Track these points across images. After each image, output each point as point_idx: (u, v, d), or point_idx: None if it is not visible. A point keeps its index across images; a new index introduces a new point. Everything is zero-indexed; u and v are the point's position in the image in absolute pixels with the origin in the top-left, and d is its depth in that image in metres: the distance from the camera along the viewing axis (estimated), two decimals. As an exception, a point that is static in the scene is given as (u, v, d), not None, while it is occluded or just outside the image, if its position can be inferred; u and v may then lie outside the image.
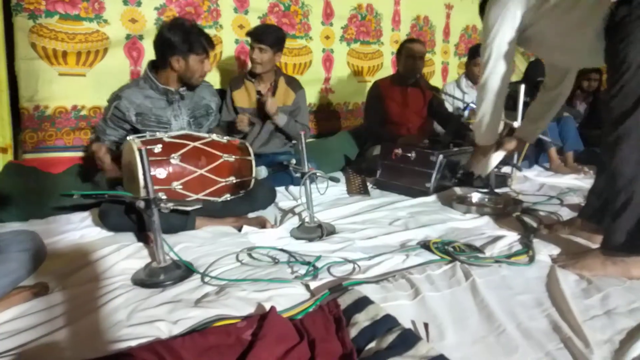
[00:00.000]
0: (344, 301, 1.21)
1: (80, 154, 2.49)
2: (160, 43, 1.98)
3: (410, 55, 3.00)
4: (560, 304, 1.25)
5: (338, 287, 1.31)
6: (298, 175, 1.93)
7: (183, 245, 1.69)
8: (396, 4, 3.92)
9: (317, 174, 1.92)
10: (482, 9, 1.84)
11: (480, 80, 1.87)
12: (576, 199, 2.39)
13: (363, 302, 1.19)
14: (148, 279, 1.41)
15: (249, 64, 2.68)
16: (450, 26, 4.40)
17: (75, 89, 2.45)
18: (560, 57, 1.83)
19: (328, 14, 3.49)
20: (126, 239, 1.75)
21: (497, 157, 2.09)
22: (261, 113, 2.60)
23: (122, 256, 1.59)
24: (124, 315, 1.20)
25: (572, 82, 1.98)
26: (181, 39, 1.94)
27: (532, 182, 2.88)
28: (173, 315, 1.19)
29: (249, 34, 2.55)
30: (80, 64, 2.45)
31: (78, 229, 1.89)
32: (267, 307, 1.17)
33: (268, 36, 2.50)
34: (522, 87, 2.50)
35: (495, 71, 1.80)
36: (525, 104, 2.83)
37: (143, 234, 1.76)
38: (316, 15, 3.43)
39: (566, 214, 2.13)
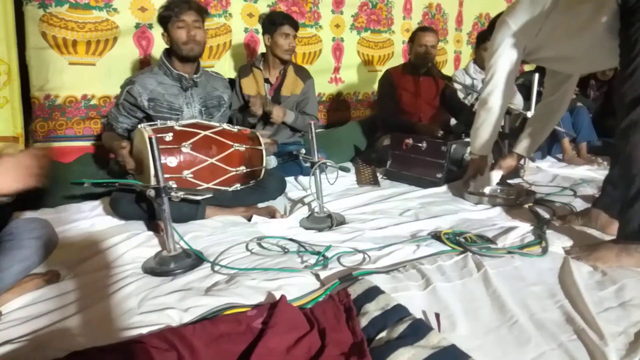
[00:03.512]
0: (354, 291, 1.20)
1: (90, 143, 2.50)
2: (159, 22, 2.02)
3: (422, 44, 2.96)
4: (574, 295, 1.23)
5: (348, 277, 1.30)
6: (308, 165, 1.92)
7: (193, 234, 1.69)
8: (407, -8, 3.87)
9: (327, 164, 1.91)
10: (491, 29, 1.96)
11: (482, 95, 1.99)
12: (590, 190, 2.35)
13: (373, 292, 1.18)
14: (158, 267, 1.42)
15: (258, 52, 2.66)
16: (463, 14, 4.32)
17: (85, 78, 2.45)
18: (570, 61, 1.83)
19: (338, 2, 3.45)
20: (137, 228, 1.76)
21: (496, 175, 2.17)
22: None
23: (133, 244, 1.60)
24: (134, 303, 1.21)
25: (573, 90, 2.04)
26: (164, 9, 1.97)
27: (545, 173, 2.84)
28: (183, 303, 1.20)
29: (278, 23, 2.50)
30: (90, 53, 2.44)
31: (89, 218, 1.90)
32: (277, 296, 1.17)
33: (297, 24, 2.57)
34: (536, 77, 2.46)
35: (496, 90, 1.94)
36: (539, 94, 2.79)
37: (153, 223, 1.77)
38: (326, 4, 3.39)
39: (580, 205, 2.10)
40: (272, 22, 2.52)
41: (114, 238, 1.64)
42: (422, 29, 3.06)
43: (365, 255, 1.51)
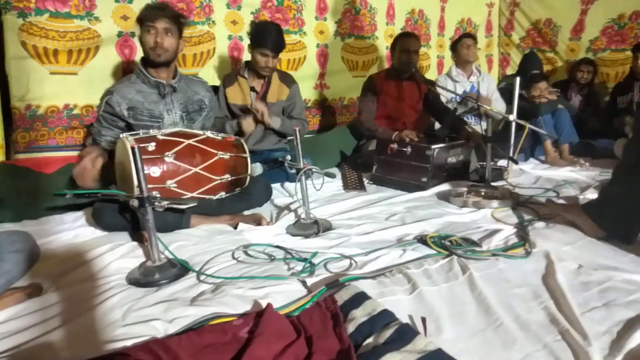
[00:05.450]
0: (341, 297, 1.20)
1: (73, 153, 2.46)
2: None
3: (405, 49, 2.98)
4: (558, 296, 1.25)
5: (335, 283, 1.30)
6: (293, 171, 1.92)
7: (178, 244, 1.68)
8: (390, -2, 3.90)
9: (313, 170, 1.91)
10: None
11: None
12: (572, 191, 2.39)
13: (360, 298, 1.18)
14: (143, 278, 1.40)
15: (242, 60, 2.66)
16: (445, 20, 4.38)
17: (66, 88, 2.43)
18: None
19: (322, 9, 3.47)
20: (120, 238, 1.74)
21: None
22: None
23: (117, 255, 1.57)
24: (119, 315, 1.19)
25: None
26: (140, 13, 1.98)
27: (528, 174, 2.88)
28: (169, 314, 1.18)
29: (258, 43, 2.50)
30: (71, 63, 2.42)
31: (72, 229, 1.88)
32: (264, 304, 1.16)
33: (282, 45, 2.56)
34: (518, 80, 2.50)
35: None
36: (521, 97, 2.84)
37: (137, 233, 1.75)
38: (310, 10, 3.40)
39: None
40: (254, 38, 2.52)
41: (98, 249, 1.62)
42: (404, 35, 3.09)
43: (352, 261, 1.51)
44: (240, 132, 2.50)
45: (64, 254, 1.64)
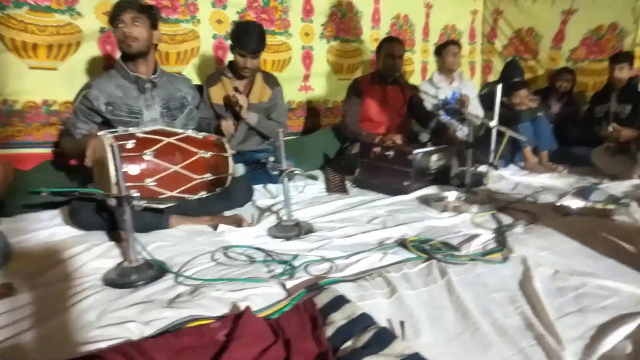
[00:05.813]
0: (321, 300, 1.20)
1: (50, 150, 2.41)
2: None
3: (390, 54, 3.00)
4: (534, 301, 1.27)
5: (314, 286, 1.30)
6: (276, 173, 1.91)
7: (156, 245, 1.65)
8: (376, 2, 3.92)
9: (296, 172, 1.90)
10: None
11: None
12: (550, 198, 2.42)
13: (339, 301, 1.18)
14: (119, 279, 1.37)
15: (226, 60, 2.64)
16: (430, 25, 4.42)
17: (46, 83, 2.37)
18: None
19: (308, 11, 3.47)
20: (97, 238, 1.71)
21: None
22: (234, 112, 2.57)
23: (93, 255, 1.55)
24: (94, 316, 1.17)
25: None
26: (109, 17, 1.96)
27: (507, 180, 2.92)
28: (145, 316, 1.16)
29: (237, 44, 2.48)
30: (51, 57, 2.37)
31: (47, 228, 1.83)
32: (243, 307, 1.15)
33: (261, 46, 2.52)
34: (499, 87, 2.53)
35: None
36: (502, 104, 2.88)
37: (115, 233, 1.72)
38: (296, 12, 3.40)
39: (539, 211, 2.15)
40: (234, 39, 2.50)
41: (74, 249, 1.59)
42: (389, 39, 3.11)
43: (333, 264, 1.51)
44: (219, 133, 2.46)
45: (38, 253, 1.60)
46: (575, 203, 2.19)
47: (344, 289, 1.26)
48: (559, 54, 4.33)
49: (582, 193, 2.37)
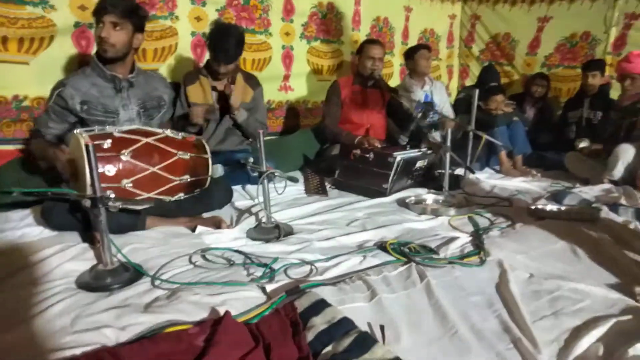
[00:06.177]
0: (301, 304, 1.19)
1: (20, 147, 2.33)
2: None
3: (370, 56, 3.02)
4: (510, 305, 1.29)
5: (295, 290, 1.29)
6: (255, 174, 1.89)
7: (132, 247, 1.62)
8: (356, 4, 3.93)
9: (275, 174, 1.89)
10: None
11: None
12: (525, 201, 2.47)
13: (320, 305, 1.18)
14: (94, 282, 1.34)
15: (205, 57, 2.60)
16: (409, 29, 4.46)
17: (16, 78, 2.28)
18: None
19: (288, 10, 3.45)
20: (71, 239, 1.66)
21: None
22: (221, 108, 2.53)
23: (66, 257, 1.50)
24: (67, 321, 1.14)
25: None
26: (93, 9, 1.92)
27: (483, 183, 2.96)
28: (121, 321, 1.14)
29: (214, 51, 2.44)
30: (22, 52, 2.29)
31: (18, 228, 1.77)
32: (222, 311, 1.14)
33: (238, 53, 2.48)
34: (476, 92, 2.57)
35: None
36: (479, 108, 2.93)
37: (89, 234, 1.67)
38: (276, 11, 3.37)
39: (515, 214, 2.19)
40: (210, 44, 2.46)
41: (46, 250, 1.54)
42: (369, 42, 3.13)
43: (313, 267, 1.51)
44: (187, 124, 2.41)
45: (8, 255, 1.55)
46: (549, 206, 2.25)
47: (324, 293, 1.26)
48: (534, 60, 4.43)
49: (556, 197, 2.43)
